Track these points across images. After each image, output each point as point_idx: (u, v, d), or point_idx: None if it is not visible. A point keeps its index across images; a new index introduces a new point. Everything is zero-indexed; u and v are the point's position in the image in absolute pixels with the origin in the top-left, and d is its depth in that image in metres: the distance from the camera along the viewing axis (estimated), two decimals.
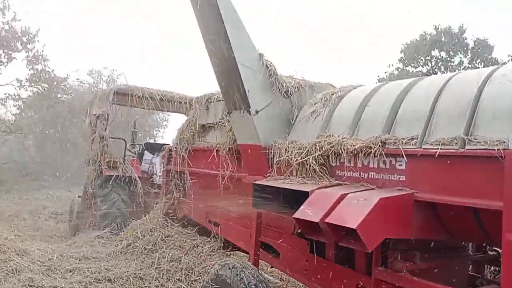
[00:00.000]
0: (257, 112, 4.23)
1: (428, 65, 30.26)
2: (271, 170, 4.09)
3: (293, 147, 3.85)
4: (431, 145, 2.88)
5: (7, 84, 19.79)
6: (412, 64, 30.48)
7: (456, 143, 2.73)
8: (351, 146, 3.33)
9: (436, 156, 2.77)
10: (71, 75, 24.04)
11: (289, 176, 3.83)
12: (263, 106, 4.28)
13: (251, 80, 4.16)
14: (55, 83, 20.65)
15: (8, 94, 20.89)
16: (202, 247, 5.59)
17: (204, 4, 3.99)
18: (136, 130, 11.15)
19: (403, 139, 3.09)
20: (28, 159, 20.27)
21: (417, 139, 3.02)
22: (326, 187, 3.33)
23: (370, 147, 3.22)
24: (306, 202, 3.10)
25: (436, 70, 29.70)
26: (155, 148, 9.35)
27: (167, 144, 9.30)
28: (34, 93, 21.10)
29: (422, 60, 30.23)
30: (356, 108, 3.64)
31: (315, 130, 3.89)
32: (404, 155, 3.01)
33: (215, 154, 5.16)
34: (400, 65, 30.56)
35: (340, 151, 3.41)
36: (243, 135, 4.49)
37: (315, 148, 3.60)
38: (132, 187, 7.89)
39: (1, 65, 18.97)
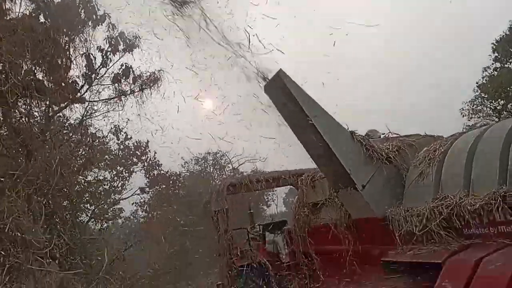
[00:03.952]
0: (363, 186, 4.35)
1: None
2: (395, 240, 4.09)
3: (411, 215, 3.86)
4: None
5: (132, 195, 22.29)
6: (511, 60, 27.93)
7: None
8: (471, 206, 3.29)
9: None
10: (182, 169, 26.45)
11: (415, 244, 3.81)
12: (368, 179, 4.40)
13: (350, 160, 4.34)
14: (171, 182, 22.79)
15: (136, 203, 23.42)
16: None
17: (286, 104, 4.40)
18: (252, 211, 11.76)
19: None
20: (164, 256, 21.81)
21: None
22: (457, 252, 3.28)
23: (491, 203, 3.16)
24: (441, 275, 3.09)
25: None
26: (273, 227, 9.71)
27: (284, 221, 9.67)
28: (155, 195, 23.49)
29: None
30: (464, 163, 3.61)
31: (428, 192, 3.89)
32: None
33: (334, 230, 5.27)
34: (498, 65, 28.18)
35: (461, 213, 3.37)
36: (357, 210, 4.61)
37: (434, 213, 3.60)
38: (264, 272, 8.22)
39: (124, 180, 21.56)
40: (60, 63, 10.90)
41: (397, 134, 5.34)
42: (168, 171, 23.23)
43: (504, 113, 26.22)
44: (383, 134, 5.84)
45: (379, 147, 4.60)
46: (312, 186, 5.94)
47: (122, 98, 11.98)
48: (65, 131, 15.42)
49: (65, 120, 14.52)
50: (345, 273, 4.93)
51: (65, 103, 11.29)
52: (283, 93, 4.33)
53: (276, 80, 4.39)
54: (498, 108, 26.18)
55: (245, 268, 8.24)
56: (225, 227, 8.72)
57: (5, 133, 11.50)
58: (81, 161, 16.01)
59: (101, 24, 11.40)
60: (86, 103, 12.25)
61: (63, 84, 10.72)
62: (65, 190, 14.65)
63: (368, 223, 4.50)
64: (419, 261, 3.46)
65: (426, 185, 3.98)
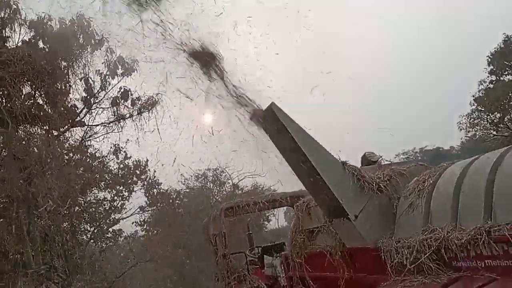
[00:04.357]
0: (356, 217, 4.43)
1: None
2: (387, 271, 4.15)
3: (402, 247, 3.93)
4: None
5: (132, 214, 22.31)
6: (506, 72, 28.26)
7: None
8: (458, 240, 3.37)
9: None
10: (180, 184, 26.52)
11: (407, 275, 3.88)
12: (360, 209, 4.48)
13: (342, 190, 4.44)
14: (170, 200, 22.86)
15: (136, 222, 23.42)
16: None
17: (278, 134, 4.51)
18: (251, 232, 11.77)
19: (507, 224, 3.09)
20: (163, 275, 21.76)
21: None
22: (446, 286, 3.36)
23: (477, 238, 3.24)
24: None
25: None
26: (272, 250, 9.72)
27: (281, 243, 9.69)
28: (154, 214, 23.53)
29: None
30: (451, 195, 3.70)
31: (417, 224, 3.97)
32: None
33: (329, 257, 5.33)
34: (493, 78, 28.50)
35: (449, 246, 3.45)
36: (350, 239, 4.69)
37: (424, 246, 3.67)
38: None
39: (125, 199, 21.60)
40: (59, 88, 11.07)
41: (389, 161, 5.47)
42: (168, 189, 23.34)
43: (501, 126, 26.45)
44: (380, 157, 5.94)
45: (370, 176, 4.69)
46: (308, 213, 6.01)
47: (121, 121, 12.17)
48: (64, 151, 15.58)
49: (65, 141, 14.69)
50: None
51: (65, 128, 11.44)
52: (276, 125, 4.45)
53: (268, 112, 4.51)
54: (495, 121, 26.39)
55: None
56: (223, 251, 8.76)
57: (5, 157, 11.63)
58: (81, 183, 16.12)
59: (100, 49, 11.60)
60: (85, 126, 12.42)
61: (62, 108, 10.87)
62: (65, 211, 14.75)
63: (362, 252, 4.57)
64: None
65: (416, 216, 4.07)
